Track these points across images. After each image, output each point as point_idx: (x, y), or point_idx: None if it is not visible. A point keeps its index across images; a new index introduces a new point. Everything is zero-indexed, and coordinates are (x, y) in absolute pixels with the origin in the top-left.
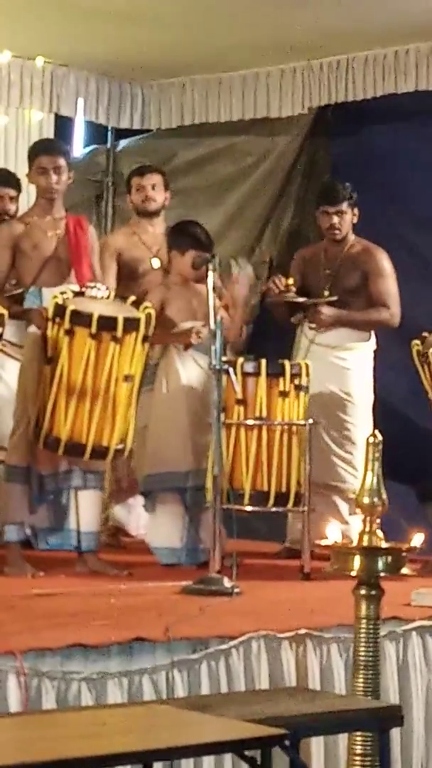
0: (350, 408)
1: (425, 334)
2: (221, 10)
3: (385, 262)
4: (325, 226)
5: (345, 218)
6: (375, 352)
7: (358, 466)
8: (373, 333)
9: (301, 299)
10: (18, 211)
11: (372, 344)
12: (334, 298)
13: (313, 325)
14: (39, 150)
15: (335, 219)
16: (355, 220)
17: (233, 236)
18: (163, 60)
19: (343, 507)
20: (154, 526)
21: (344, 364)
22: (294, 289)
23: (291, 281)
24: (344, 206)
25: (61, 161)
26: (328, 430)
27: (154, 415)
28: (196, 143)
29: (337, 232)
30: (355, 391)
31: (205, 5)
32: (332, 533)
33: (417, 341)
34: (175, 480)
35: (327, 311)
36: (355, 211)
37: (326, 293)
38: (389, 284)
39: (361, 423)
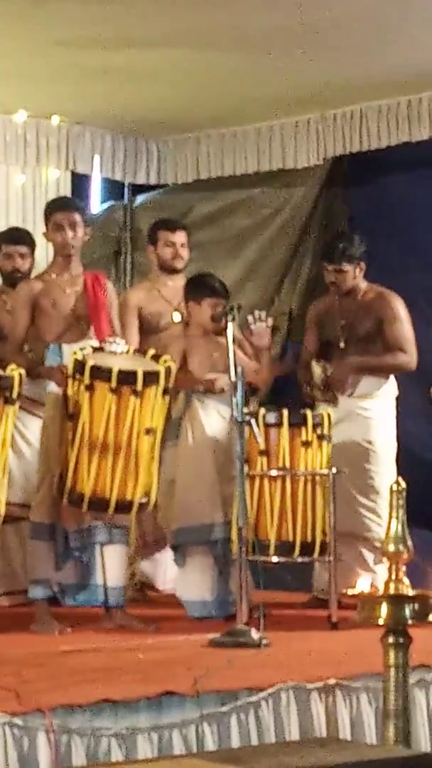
0: (373, 457)
1: None
2: (234, 65)
3: (399, 306)
4: (327, 281)
5: (345, 276)
6: (397, 399)
7: (383, 514)
8: (394, 380)
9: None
10: (32, 267)
11: (394, 391)
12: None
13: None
14: (54, 207)
15: (333, 277)
16: (360, 273)
17: (252, 288)
18: (178, 115)
19: (369, 556)
20: (185, 579)
21: (367, 414)
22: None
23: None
24: (343, 265)
25: (76, 217)
26: (352, 480)
27: (181, 469)
28: (212, 197)
29: (335, 288)
30: (378, 439)
31: (218, 61)
32: (362, 583)
33: None
34: (204, 533)
35: (343, 368)
36: (362, 265)
37: (342, 344)
38: (404, 329)
39: (384, 471)
